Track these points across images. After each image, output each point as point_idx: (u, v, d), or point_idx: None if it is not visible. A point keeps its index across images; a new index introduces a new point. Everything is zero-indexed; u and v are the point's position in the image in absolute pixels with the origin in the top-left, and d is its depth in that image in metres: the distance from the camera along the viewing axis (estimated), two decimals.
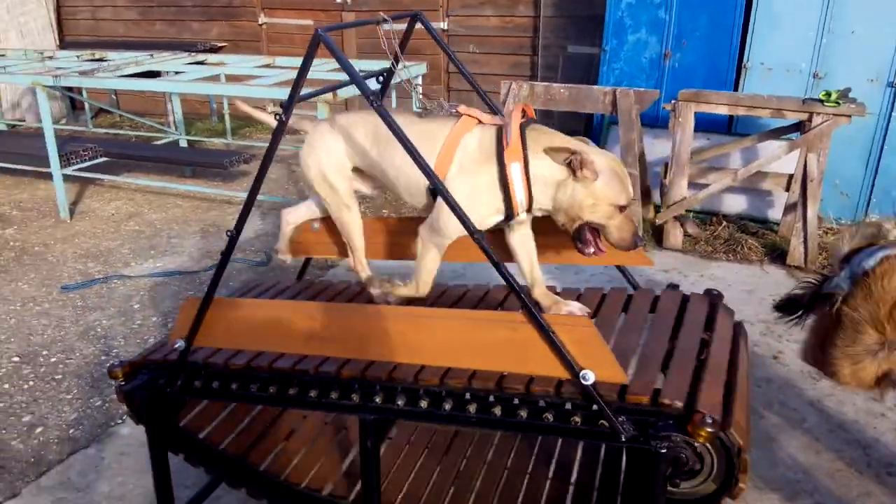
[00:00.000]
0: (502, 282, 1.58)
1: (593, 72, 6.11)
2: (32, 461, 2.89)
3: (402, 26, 2.09)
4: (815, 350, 1.80)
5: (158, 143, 6.75)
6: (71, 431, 3.06)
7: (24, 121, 8.59)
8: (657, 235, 4.93)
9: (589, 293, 2.17)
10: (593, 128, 6.09)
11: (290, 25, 7.92)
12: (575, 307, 1.95)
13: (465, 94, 7.17)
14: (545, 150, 1.78)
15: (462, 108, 1.92)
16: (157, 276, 4.54)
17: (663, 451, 1.50)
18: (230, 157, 5.45)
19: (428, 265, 1.94)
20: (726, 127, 5.40)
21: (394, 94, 5.65)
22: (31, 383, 3.42)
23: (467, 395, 1.68)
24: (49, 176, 5.54)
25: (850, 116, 4.30)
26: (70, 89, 7.75)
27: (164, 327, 3.88)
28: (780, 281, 4.31)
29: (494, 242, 1.90)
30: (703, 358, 1.78)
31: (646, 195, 5.08)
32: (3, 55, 6.98)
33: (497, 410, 1.64)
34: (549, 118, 6.78)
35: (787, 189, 4.76)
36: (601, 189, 1.77)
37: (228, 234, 1.77)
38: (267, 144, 1.72)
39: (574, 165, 1.75)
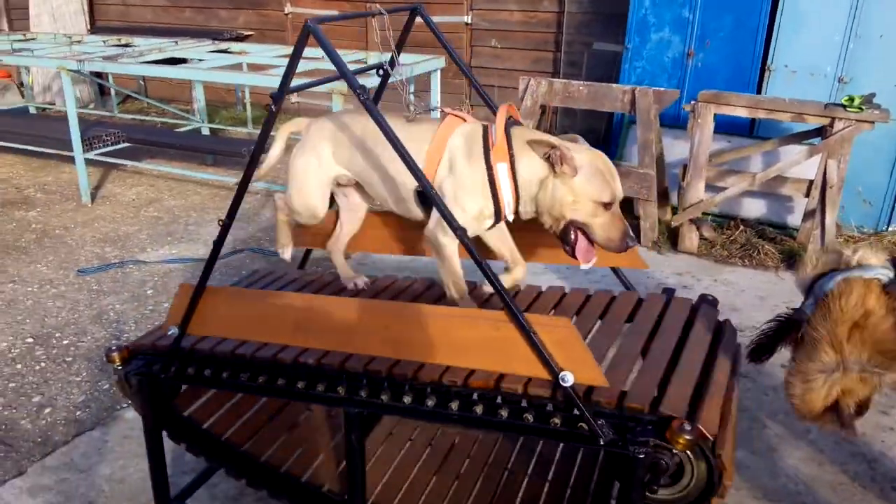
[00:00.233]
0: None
1: (616, 69, 6.05)
2: (39, 441, 2.95)
3: (414, 18, 2.08)
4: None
5: (181, 130, 6.82)
6: (78, 413, 3.12)
7: (53, 104, 8.73)
8: (673, 238, 4.88)
9: (573, 294, 2.16)
10: (613, 127, 6.04)
11: (315, 15, 7.95)
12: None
13: (486, 89, 7.13)
14: (528, 141, 1.77)
15: (447, 110, 1.91)
16: (172, 262, 4.60)
17: (641, 456, 1.49)
18: (249, 146, 5.49)
19: (449, 268, 1.91)
20: (748, 130, 5.32)
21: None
22: (42, 364, 3.49)
23: (450, 393, 1.68)
24: (73, 160, 5.63)
25: (873, 122, 4.21)
26: (99, 75, 7.87)
27: None
28: (794, 288, 4.21)
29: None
30: (676, 360, 1.76)
31: (663, 196, 5.02)
32: (34, 39, 7.09)
33: (479, 409, 1.64)
34: (571, 116, 6.74)
35: (807, 195, 4.68)
36: (581, 185, 1.75)
37: (220, 222, 1.79)
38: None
39: (553, 160, 1.74)
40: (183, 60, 5.63)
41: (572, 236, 1.80)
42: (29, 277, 4.39)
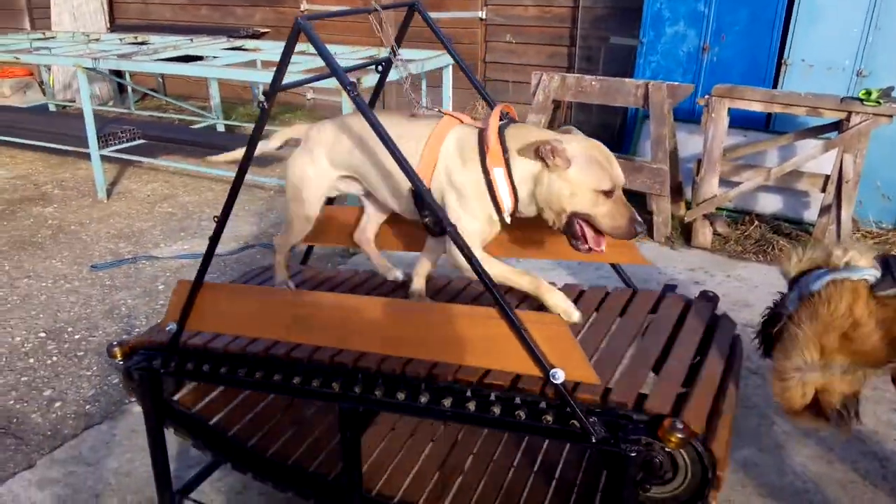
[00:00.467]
0: None
1: (632, 64, 6.00)
2: (49, 434, 2.98)
3: (413, 14, 2.07)
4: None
5: (196, 126, 6.87)
6: (87, 407, 3.15)
7: (74, 101, 8.83)
8: (686, 233, 4.83)
9: (565, 291, 2.14)
10: (627, 121, 5.99)
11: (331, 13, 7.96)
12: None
13: (500, 84, 7.13)
14: (517, 150, 1.75)
15: (444, 111, 1.90)
16: (184, 258, 4.64)
17: (633, 454, 1.47)
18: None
19: (504, 277, 1.83)
20: (764, 124, 5.25)
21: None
22: (54, 359, 3.53)
23: (444, 389, 1.67)
24: (90, 156, 5.69)
25: (891, 116, 4.13)
26: (118, 73, 7.95)
27: None
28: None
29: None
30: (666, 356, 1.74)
31: (677, 192, 4.97)
32: (53, 37, 7.18)
33: (471, 406, 1.63)
34: (587, 112, 6.69)
35: (824, 190, 4.60)
36: (576, 175, 1.72)
37: (215, 219, 1.79)
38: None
39: (543, 154, 1.71)
40: (198, 58, 5.67)
41: (577, 229, 1.77)
42: (44, 273, 4.45)
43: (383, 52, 5.53)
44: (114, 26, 9.37)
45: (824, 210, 4.60)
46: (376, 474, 2.17)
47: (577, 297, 2.08)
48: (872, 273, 1.59)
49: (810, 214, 4.89)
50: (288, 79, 1.79)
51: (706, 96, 4.59)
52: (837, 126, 4.46)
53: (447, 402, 1.65)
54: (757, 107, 4.50)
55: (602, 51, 6.54)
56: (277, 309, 1.87)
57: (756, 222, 4.88)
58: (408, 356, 1.71)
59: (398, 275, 2.27)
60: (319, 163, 2.06)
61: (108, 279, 4.35)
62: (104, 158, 5.71)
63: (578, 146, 1.74)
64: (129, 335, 3.69)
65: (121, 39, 6.82)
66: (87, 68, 5.38)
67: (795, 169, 4.56)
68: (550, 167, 1.72)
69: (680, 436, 1.42)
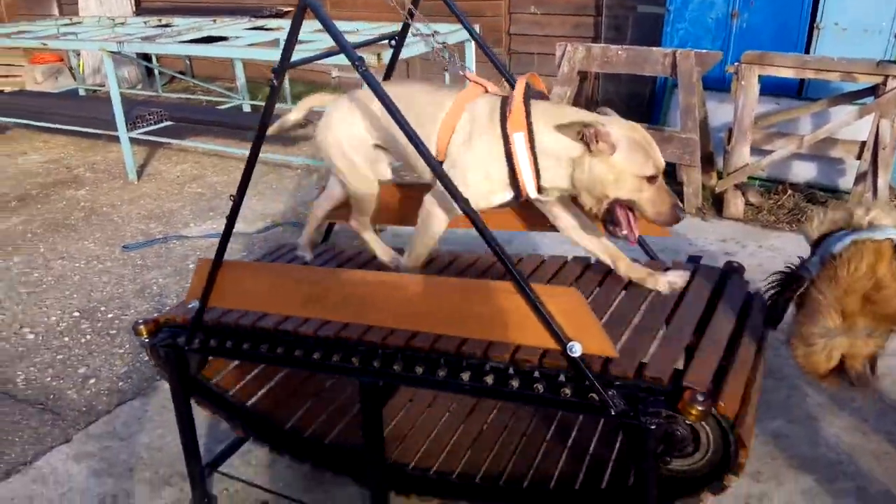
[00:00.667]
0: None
1: (659, 33, 5.87)
2: (84, 410, 3.06)
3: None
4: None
5: (222, 107, 6.90)
6: (120, 384, 3.22)
7: (103, 86, 8.93)
8: (717, 204, 4.74)
9: (574, 263, 2.11)
10: (656, 91, 5.88)
11: None
12: (674, 276, 1.89)
13: (525, 56, 7.03)
14: (556, 126, 1.67)
15: (469, 75, 1.86)
16: (213, 237, 4.68)
17: (653, 427, 1.45)
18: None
19: (426, 240, 1.87)
20: (797, 91, 5.10)
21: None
22: (88, 337, 3.61)
23: (463, 363, 1.67)
24: (119, 139, 5.76)
25: None
26: (146, 57, 8.01)
27: None
28: None
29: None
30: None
31: (707, 162, 4.88)
32: (79, 23, 7.25)
33: (489, 379, 1.62)
34: (616, 82, 6.58)
35: (859, 157, 4.47)
36: (621, 161, 1.65)
37: (231, 198, 1.80)
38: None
39: (588, 139, 1.64)
40: (221, 38, 5.68)
41: (618, 215, 1.72)
42: (77, 254, 4.53)
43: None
44: (139, 10, 9.42)
45: (860, 178, 4.48)
46: (392, 443, 2.19)
47: (584, 269, 2.05)
48: None
49: (845, 182, 4.76)
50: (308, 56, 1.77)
51: (735, 63, 4.48)
52: (873, 91, 4.32)
53: (465, 376, 1.65)
54: (788, 73, 4.38)
55: (629, 20, 6.40)
56: (295, 285, 1.87)
57: (789, 191, 4.77)
58: (425, 331, 1.70)
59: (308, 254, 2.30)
60: (358, 128, 2.02)
61: (140, 259, 4.42)
62: (133, 141, 5.77)
63: (621, 130, 1.67)
64: (161, 313, 3.74)
65: (145, 22, 6.86)
66: (111, 52, 5.43)
67: (829, 136, 4.44)
68: (594, 151, 1.65)
69: (700, 408, 1.40)
